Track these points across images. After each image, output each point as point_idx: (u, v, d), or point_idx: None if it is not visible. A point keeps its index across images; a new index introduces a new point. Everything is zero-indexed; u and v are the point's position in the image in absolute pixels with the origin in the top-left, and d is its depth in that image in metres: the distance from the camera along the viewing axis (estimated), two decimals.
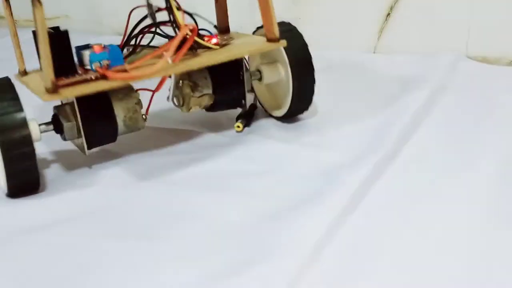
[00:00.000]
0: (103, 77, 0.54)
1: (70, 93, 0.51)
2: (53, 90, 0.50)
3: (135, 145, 0.64)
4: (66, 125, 0.57)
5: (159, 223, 0.50)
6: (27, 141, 0.52)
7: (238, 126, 0.66)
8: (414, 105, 0.70)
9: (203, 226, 0.49)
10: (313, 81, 0.66)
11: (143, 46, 0.62)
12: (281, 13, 0.81)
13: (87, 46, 0.57)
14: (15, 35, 0.58)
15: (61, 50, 0.52)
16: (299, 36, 0.66)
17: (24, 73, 0.59)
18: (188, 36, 0.57)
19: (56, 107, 0.59)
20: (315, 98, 0.68)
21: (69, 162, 0.62)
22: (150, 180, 0.57)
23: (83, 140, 0.57)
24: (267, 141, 0.64)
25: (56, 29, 0.54)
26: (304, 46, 0.66)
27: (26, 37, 1.05)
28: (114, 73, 0.53)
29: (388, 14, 0.88)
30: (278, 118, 0.69)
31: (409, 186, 0.53)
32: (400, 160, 0.58)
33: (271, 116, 0.70)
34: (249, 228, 0.49)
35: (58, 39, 0.51)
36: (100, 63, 0.54)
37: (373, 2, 0.91)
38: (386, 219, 0.49)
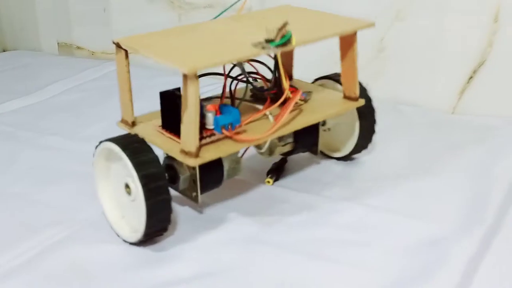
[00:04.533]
0: (228, 138, 0.60)
1: (211, 157, 0.57)
2: (196, 154, 0.56)
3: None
4: (182, 177, 0.62)
5: None
6: (166, 188, 0.57)
7: (268, 181, 0.72)
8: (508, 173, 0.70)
9: None
10: (374, 121, 0.74)
11: (242, 99, 0.67)
12: (364, 65, 0.83)
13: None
14: (129, 89, 0.61)
15: None
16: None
17: (132, 124, 0.63)
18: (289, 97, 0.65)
19: (168, 158, 0.63)
20: (394, 154, 0.74)
21: (179, 206, 0.67)
22: (257, 242, 0.61)
23: (198, 192, 0.62)
24: (357, 207, 0.66)
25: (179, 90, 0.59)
26: (364, 90, 0.73)
27: (106, 70, 1.06)
28: (243, 136, 0.59)
29: (471, 77, 0.90)
30: (337, 159, 0.78)
31: None
32: (506, 232, 0.59)
33: (327, 156, 0.78)
34: None
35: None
36: (225, 126, 0.60)
37: (456, 64, 0.91)
38: None
